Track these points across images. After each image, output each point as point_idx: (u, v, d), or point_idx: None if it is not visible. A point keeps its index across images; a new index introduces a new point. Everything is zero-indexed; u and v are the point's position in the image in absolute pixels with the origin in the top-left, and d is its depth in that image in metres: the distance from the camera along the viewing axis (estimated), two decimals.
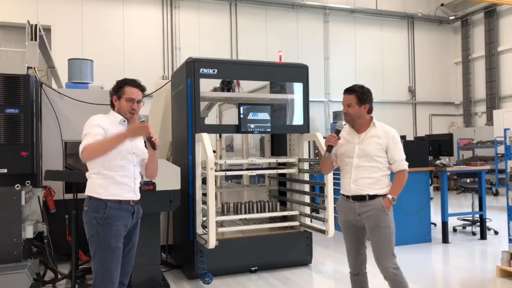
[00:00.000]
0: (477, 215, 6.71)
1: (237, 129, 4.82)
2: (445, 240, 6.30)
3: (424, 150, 6.68)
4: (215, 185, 4.71)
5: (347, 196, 3.14)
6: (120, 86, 2.97)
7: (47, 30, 10.23)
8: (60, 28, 10.87)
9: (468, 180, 8.16)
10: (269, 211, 5.11)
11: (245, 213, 4.99)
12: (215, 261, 4.59)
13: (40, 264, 4.35)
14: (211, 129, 5.08)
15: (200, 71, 4.68)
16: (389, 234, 3.02)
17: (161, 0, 12.15)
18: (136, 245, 3.02)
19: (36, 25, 4.96)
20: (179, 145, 5.14)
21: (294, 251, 5.08)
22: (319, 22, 13.84)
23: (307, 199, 5.17)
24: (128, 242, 2.92)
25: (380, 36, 14.61)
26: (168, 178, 4.07)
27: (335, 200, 5.68)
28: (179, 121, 5.10)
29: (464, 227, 7.11)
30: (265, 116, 4.87)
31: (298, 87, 5.30)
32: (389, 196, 3.02)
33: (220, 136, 6.95)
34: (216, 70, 4.76)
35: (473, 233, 6.77)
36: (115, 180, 2.82)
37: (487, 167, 7.01)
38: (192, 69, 4.67)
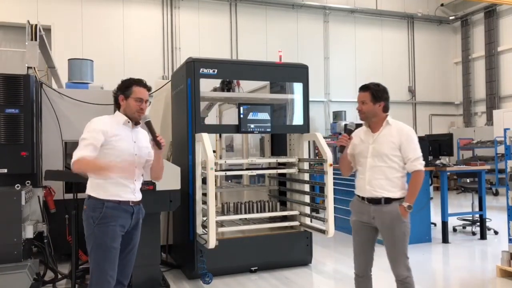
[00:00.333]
0: (477, 215, 6.71)
1: (237, 129, 4.82)
2: (445, 240, 6.30)
3: (424, 150, 6.64)
4: (215, 185, 4.71)
5: (362, 198, 3.08)
6: (128, 86, 2.92)
7: (47, 30, 10.22)
8: (60, 28, 10.87)
9: (468, 180, 8.16)
10: (269, 211, 5.11)
11: (245, 213, 4.99)
12: (215, 261, 4.59)
13: (40, 264, 4.35)
14: (211, 129, 5.09)
15: (200, 71, 4.68)
16: (403, 239, 2.96)
17: (161, 0, 12.15)
18: (137, 246, 3.01)
19: (36, 25, 4.95)
20: (179, 145, 5.14)
21: (294, 251, 5.08)
22: (319, 22, 13.84)
23: (307, 199, 5.17)
24: (128, 242, 2.91)
25: (380, 36, 14.61)
26: (168, 178, 4.06)
27: (335, 200, 5.69)
28: (179, 121, 5.10)
29: (464, 227, 7.12)
30: (265, 116, 4.87)
31: (298, 87, 5.30)
32: (405, 204, 2.93)
33: (220, 136, 6.95)
34: (216, 70, 4.76)
35: (473, 233, 6.77)
36: (115, 180, 2.80)
37: (487, 167, 7.01)
38: (192, 69, 4.67)
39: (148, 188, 3.88)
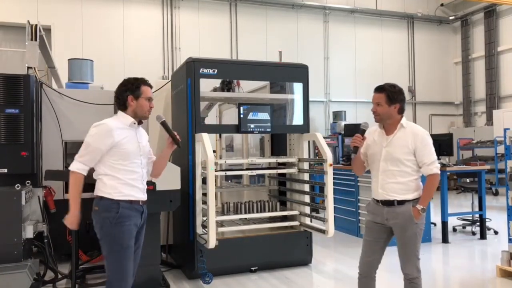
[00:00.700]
0: (477, 215, 6.71)
1: (237, 129, 4.82)
2: (445, 240, 6.30)
3: None
4: (215, 185, 4.71)
5: (377, 200, 3.07)
6: (138, 86, 2.94)
7: (47, 30, 10.23)
8: (60, 28, 10.87)
9: (468, 180, 8.16)
10: (269, 211, 5.11)
11: (245, 213, 5.00)
12: (215, 261, 4.59)
13: (40, 264, 4.35)
14: (211, 129, 5.09)
15: (200, 71, 4.68)
16: (415, 240, 2.96)
17: (161, 0, 12.15)
18: (142, 245, 3.05)
19: (36, 25, 4.95)
20: None
21: (294, 251, 5.08)
22: (319, 22, 13.84)
23: (307, 199, 5.17)
24: (136, 241, 2.95)
25: (380, 36, 14.61)
26: (168, 178, 4.06)
27: (335, 200, 5.69)
28: (179, 121, 5.10)
29: (464, 227, 7.12)
30: (265, 116, 4.87)
31: (298, 87, 5.30)
32: (418, 207, 2.91)
33: (220, 136, 6.96)
34: (216, 70, 4.76)
35: (473, 233, 6.77)
36: (126, 182, 2.85)
37: (487, 167, 7.01)
38: (192, 69, 4.67)
39: (148, 188, 3.86)
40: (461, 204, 9.80)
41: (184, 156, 4.79)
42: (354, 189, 6.86)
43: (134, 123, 2.95)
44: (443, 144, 7.89)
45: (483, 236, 6.50)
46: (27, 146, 4.38)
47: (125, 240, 2.79)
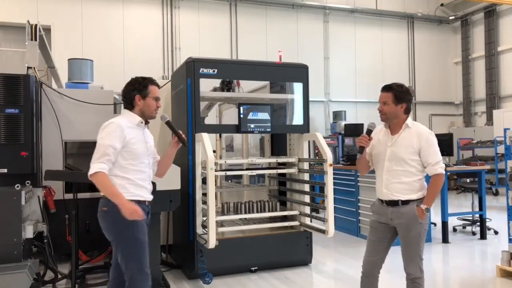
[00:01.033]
0: (477, 215, 6.71)
1: (237, 129, 4.82)
2: (445, 240, 6.30)
3: None
4: (215, 185, 4.70)
5: (382, 201, 3.07)
6: (145, 86, 2.95)
7: (47, 30, 10.23)
8: (60, 28, 10.87)
9: (468, 180, 8.16)
10: (269, 211, 5.11)
11: (245, 213, 4.99)
12: (215, 261, 4.59)
13: (40, 264, 4.35)
14: (211, 129, 5.09)
15: (200, 71, 4.68)
16: (418, 240, 2.96)
17: (161, 0, 12.15)
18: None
19: (36, 25, 4.95)
20: None
21: (294, 251, 5.08)
22: (319, 22, 13.84)
23: (307, 199, 5.17)
24: None
25: (380, 36, 14.61)
26: (168, 178, 4.05)
27: (335, 200, 5.69)
28: (179, 121, 5.10)
29: (464, 227, 7.12)
30: (265, 116, 4.87)
31: (298, 87, 5.30)
32: (422, 206, 2.90)
33: (220, 136, 6.95)
34: (216, 70, 4.76)
35: (473, 233, 6.77)
36: (135, 182, 2.87)
37: (487, 167, 7.01)
38: (192, 69, 4.67)
39: None
40: (461, 204, 9.80)
41: (184, 156, 4.79)
42: (354, 189, 6.86)
43: (142, 122, 2.96)
44: (443, 144, 7.87)
45: (483, 236, 6.50)
46: (27, 146, 4.38)
47: (141, 237, 2.82)
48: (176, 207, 4.23)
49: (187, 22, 12.29)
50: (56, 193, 4.87)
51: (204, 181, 4.51)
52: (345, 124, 12.28)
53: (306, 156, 5.17)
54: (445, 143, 7.85)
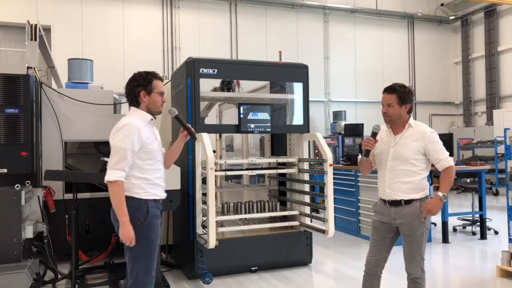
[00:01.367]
0: (477, 215, 6.71)
1: (237, 129, 4.82)
2: (445, 240, 6.30)
3: None
4: (215, 185, 4.70)
5: (384, 201, 3.07)
6: (149, 81, 2.87)
7: (47, 30, 10.23)
8: (60, 28, 10.87)
9: (468, 180, 8.16)
10: (269, 211, 5.11)
11: (245, 213, 4.99)
12: (215, 261, 4.59)
13: (40, 264, 4.35)
14: (211, 129, 5.09)
15: (200, 71, 4.68)
16: (421, 239, 2.97)
17: (161, 0, 12.15)
18: None
19: (36, 25, 4.95)
20: None
21: (294, 251, 5.07)
22: (319, 22, 13.84)
23: (307, 199, 5.17)
24: None
25: (380, 36, 14.61)
26: (168, 178, 4.03)
27: (335, 200, 5.69)
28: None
29: (464, 227, 7.11)
30: (265, 116, 4.87)
31: (298, 87, 5.29)
32: (440, 194, 2.88)
33: (220, 136, 6.95)
34: (216, 70, 4.76)
35: (473, 233, 6.77)
36: (153, 182, 2.85)
37: (487, 167, 7.01)
38: (192, 69, 4.67)
39: None
40: (461, 204, 9.79)
41: (184, 156, 4.78)
42: (354, 189, 6.86)
43: (152, 120, 2.92)
44: (443, 144, 7.91)
45: (483, 236, 6.49)
46: (27, 146, 4.37)
47: (154, 240, 2.80)
48: (176, 207, 4.23)
49: (187, 22, 12.29)
50: (56, 193, 4.87)
51: (204, 181, 4.51)
52: (345, 124, 12.28)
53: (306, 156, 5.17)
54: (445, 143, 7.82)
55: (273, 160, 5.26)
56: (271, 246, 4.98)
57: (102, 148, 5.55)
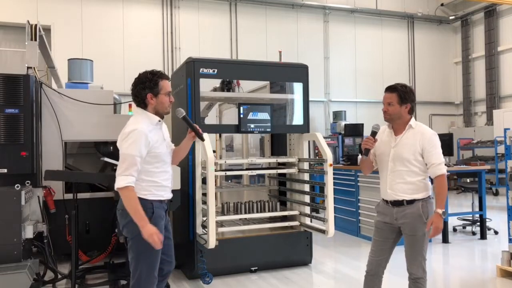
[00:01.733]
0: (477, 215, 6.71)
1: (237, 129, 4.82)
2: (445, 240, 6.30)
3: None
4: (215, 185, 4.70)
5: (386, 201, 3.07)
6: (156, 83, 2.82)
7: (47, 30, 10.23)
8: (60, 28, 10.87)
9: (468, 180, 8.16)
10: (269, 211, 5.11)
11: (245, 213, 4.99)
12: (215, 261, 4.59)
13: (40, 264, 4.34)
14: (211, 129, 5.08)
15: (200, 71, 4.68)
16: (422, 240, 2.96)
17: (161, 0, 12.15)
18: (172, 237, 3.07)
19: (36, 25, 4.95)
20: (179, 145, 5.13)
21: (294, 251, 5.07)
22: (319, 22, 13.84)
23: (307, 199, 5.17)
24: (167, 236, 2.97)
25: (380, 36, 14.61)
26: None
27: (335, 200, 5.69)
28: (179, 121, 5.09)
29: (464, 227, 7.12)
30: (265, 116, 4.87)
31: (298, 87, 5.30)
32: (439, 211, 2.85)
33: (220, 136, 6.95)
34: (216, 70, 4.76)
35: (473, 233, 6.77)
36: (160, 184, 2.86)
37: (487, 167, 7.01)
38: (192, 69, 4.67)
39: None
40: (461, 204, 9.79)
41: None
42: (354, 189, 6.86)
43: (159, 121, 2.89)
44: (443, 144, 7.87)
45: (483, 236, 6.49)
46: (27, 146, 4.37)
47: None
48: (176, 207, 4.23)
49: (187, 22, 12.29)
50: (56, 193, 4.87)
51: (204, 181, 4.51)
52: (345, 124, 12.28)
53: (306, 156, 5.17)
54: (445, 143, 7.87)
55: (273, 160, 5.26)
56: (271, 246, 4.98)
57: (102, 148, 5.55)
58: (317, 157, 9.61)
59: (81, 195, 4.78)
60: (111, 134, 5.09)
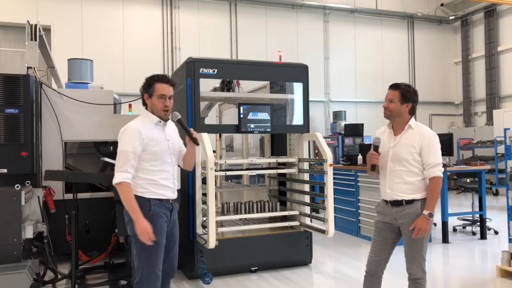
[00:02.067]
0: (477, 215, 6.71)
1: (237, 129, 4.82)
2: (445, 240, 6.30)
3: None
4: (215, 185, 4.70)
5: (386, 201, 3.08)
6: (150, 84, 2.90)
7: (47, 30, 10.23)
8: (60, 28, 10.87)
9: (468, 180, 8.16)
10: (269, 211, 5.11)
11: (245, 213, 4.99)
12: (215, 261, 4.59)
13: (40, 264, 4.34)
14: (211, 129, 5.09)
15: (200, 71, 4.68)
16: (422, 240, 2.96)
17: (161, 0, 12.15)
18: (178, 240, 3.12)
19: (36, 25, 4.95)
20: None
21: (294, 251, 5.07)
22: (319, 22, 13.84)
23: (307, 199, 5.17)
24: (172, 236, 3.02)
25: (380, 36, 14.61)
26: None
27: (335, 200, 5.69)
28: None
29: (464, 227, 7.11)
30: (265, 116, 4.87)
31: (298, 87, 5.30)
32: (425, 212, 2.88)
33: (220, 136, 6.95)
34: (216, 70, 4.76)
35: (473, 233, 6.77)
36: (156, 182, 2.89)
37: (487, 167, 7.01)
38: (192, 69, 4.67)
39: None
40: (461, 204, 9.79)
41: None
42: (354, 189, 6.86)
43: (160, 122, 2.93)
44: (443, 144, 7.86)
45: (483, 236, 6.49)
46: (27, 146, 4.37)
47: (157, 237, 2.82)
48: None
49: (187, 22, 12.29)
50: (56, 193, 4.87)
51: (204, 181, 4.51)
52: (345, 124, 12.28)
53: (306, 156, 5.17)
54: (445, 143, 7.86)
55: (273, 160, 5.26)
56: (271, 246, 4.98)
57: (102, 148, 5.55)
58: (317, 157, 9.61)
59: (81, 195, 4.78)
60: (111, 134, 5.09)
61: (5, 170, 4.28)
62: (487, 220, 6.67)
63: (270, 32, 13.07)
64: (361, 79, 14.17)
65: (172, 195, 2.98)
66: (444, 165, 6.50)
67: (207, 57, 5.27)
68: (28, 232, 3.98)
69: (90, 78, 6.08)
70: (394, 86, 3.06)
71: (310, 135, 5.08)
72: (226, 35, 12.73)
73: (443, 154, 8.16)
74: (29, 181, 4.27)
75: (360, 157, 7.02)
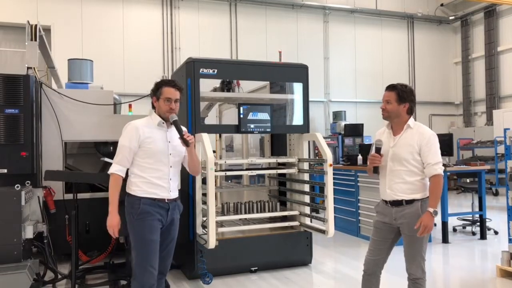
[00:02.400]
0: (477, 215, 6.71)
1: (237, 129, 4.82)
2: (445, 240, 6.30)
3: None
4: (215, 185, 4.70)
5: (386, 201, 3.08)
6: (158, 87, 3.07)
7: (47, 30, 10.23)
8: (60, 28, 10.87)
9: (468, 180, 8.16)
10: (269, 211, 5.11)
11: (245, 213, 4.99)
12: (215, 261, 4.59)
13: (40, 264, 4.35)
14: (211, 129, 5.09)
15: (200, 71, 4.68)
16: (421, 240, 2.96)
17: (161, 0, 12.15)
18: (175, 240, 3.18)
19: (36, 25, 4.95)
20: None
21: (294, 251, 5.08)
22: (319, 22, 13.84)
23: (307, 199, 5.17)
24: (166, 237, 3.09)
25: (380, 36, 14.61)
26: None
27: (335, 200, 5.69)
28: (179, 121, 5.10)
29: (464, 227, 7.12)
30: (265, 116, 4.87)
31: (298, 87, 5.30)
32: (430, 210, 2.87)
33: (220, 136, 6.95)
34: (216, 70, 4.76)
35: (473, 233, 6.77)
36: (149, 181, 2.99)
37: (487, 167, 7.01)
38: (192, 69, 4.67)
39: None
40: (461, 204, 9.79)
41: None
42: (354, 189, 6.86)
43: (163, 123, 3.06)
44: (443, 144, 7.86)
45: (483, 236, 6.50)
46: (27, 146, 4.38)
47: (146, 235, 2.91)
48: None
49: (187, 22, 12.29)
50: (56, 193, 4.87)
51: (204, 181, 4.51)
52: (345, 124, 12.29)
53: (306, 156, 5.17)
54: (445, 143, 7.86)
55: (273, 160, 5.26)
56: (271, 246, 4.98)
57: (102, 148, 5.55)
58: (317, 157, 9.61)
59: (81, 195, 4.78)
60: (111, 134, 5.10)
61: (5, 170, 4.28)
62: (487, 220, 6.67)
63: (270, 32, 13.07)
64: (361, 79, 14.17)
65: (168, 194, 3.05)
66: (444, 165, 6.47)
67: (207, 57, 5.27)
68: (28, 232, 3.98)
69: (90, 78, 6.08)
70: (390, 87, 3.07)
71: (310, 135, 5.08)
72: (226, 35, 12.73)
73: (443, 154, 8.14)
74: (29, 181, 4.27)
75: (360, 157, 7.03)
